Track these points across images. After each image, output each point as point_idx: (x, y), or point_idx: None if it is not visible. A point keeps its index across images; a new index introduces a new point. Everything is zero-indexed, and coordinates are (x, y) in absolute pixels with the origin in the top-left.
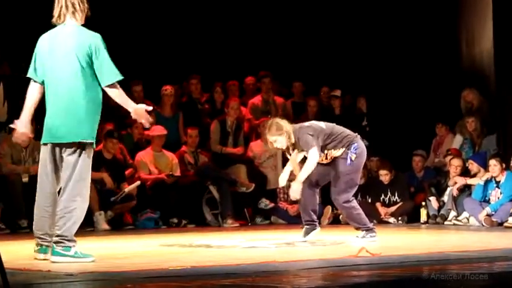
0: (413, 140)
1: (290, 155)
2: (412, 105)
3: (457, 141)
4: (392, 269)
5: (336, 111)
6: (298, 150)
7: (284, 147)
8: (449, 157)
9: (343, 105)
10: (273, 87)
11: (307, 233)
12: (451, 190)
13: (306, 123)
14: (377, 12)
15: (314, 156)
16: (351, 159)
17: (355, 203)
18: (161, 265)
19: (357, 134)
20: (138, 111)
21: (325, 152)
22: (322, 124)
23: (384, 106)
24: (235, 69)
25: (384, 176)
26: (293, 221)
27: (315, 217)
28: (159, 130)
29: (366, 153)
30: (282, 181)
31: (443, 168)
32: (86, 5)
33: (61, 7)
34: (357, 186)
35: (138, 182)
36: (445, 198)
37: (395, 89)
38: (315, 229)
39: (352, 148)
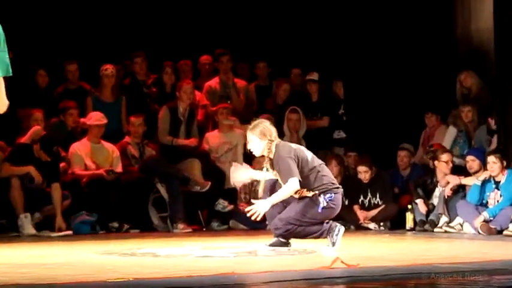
0: (399, 132)
1: (261, 168)
2: (398, 91)
3: (450, 133)
4: (372, 283)
5: (313, 97)
6: (269, 168)
7: (257, 154)
8: (430, 154)
9: (320, 90)
10: (233, 68)
11: (275, 244)
12: (442, 191)
13: (294, 145)
14: None
15: (292, 187)
16: (322, 207)
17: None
18: (98, 277)
19: (340, 187)
20: None
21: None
22: (309, 155)
23: (364, 91)
24: (188, 46)
25: (363, 173)
26: (255, 226)
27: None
28: (98, 118)
29: (338, 210)
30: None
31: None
32: None
33: None
34: None
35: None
36: (435, 200)
37: (378, 71)
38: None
39: (326, 195)
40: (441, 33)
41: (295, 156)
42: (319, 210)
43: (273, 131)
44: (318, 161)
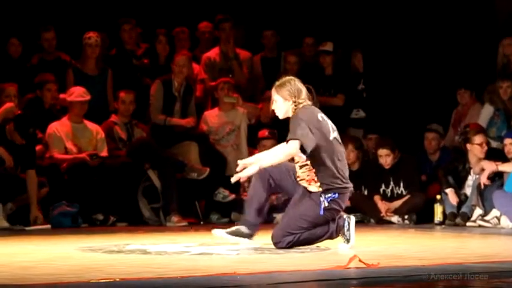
0: (426, 111)
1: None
2: (426, 63)
3: (486, 112)
4: (394, 285)
5: (326, 70)
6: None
7: (280, 116)
8: (462, 136)
9: (335, 63)
10: (236, 37)
11: (234, 233)
12: (476, 180)
13: (321, 116)
14: None
15: (289, 150)
16: (324, 209)
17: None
18: (80, 277)
19: (351, 187)
20: None
21: (303, 170)
22: (332, 135)
23: (387, 64)
24: (185, 11)
25: (384, 157)
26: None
27: (256, 221)
28: (79, 93)
29: (341, 211)
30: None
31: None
32: None
33: None
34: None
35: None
36: (468, 190)
37: (403, 40)
38: (246, 237)
39: (328, 195)
40: None
41: (313, 125)
42: (321, 213)
43: (303, 91)
44: (339, 148)
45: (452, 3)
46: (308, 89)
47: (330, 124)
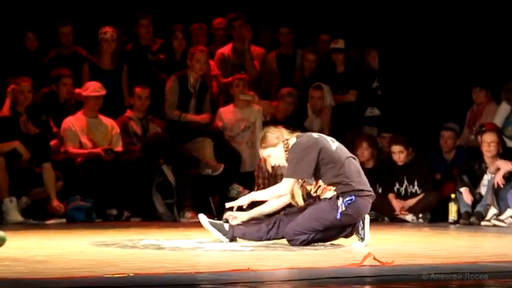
0: (442, 110)
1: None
2: (441, 61)
3: (502, 111)
4: (408, 283)
5: (338, 68)
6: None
7: (283, 163)
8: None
9: (347, 60)
10: (254, 33)
11: (217, 226)
12: (492, 179)
13: (315, 134)
14: None
15: (281, 190)
16: (341, 212)
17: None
18: (94, 271)
19: (371, 192)
20: None
21: (318, 183)
22: (334, 146)
23: (402, 62)
24: (202, 6)
25: (398, 153)
26: None
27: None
28: (95, 88)
29: (361, 217)
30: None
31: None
32: None
33: None
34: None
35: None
36: (483, 189)
37: (418, 39)
38: (225, 236)
39: (346, 198)
40: None
41: (314, 145)
42: (338, 217)
43: (282, 130)
44: (345, 154)
45: (468, 0)
46: (319, 86)
47: (329, 138)
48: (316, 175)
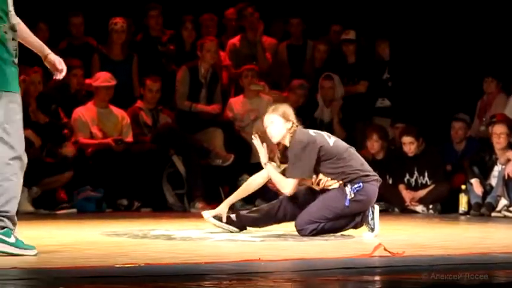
0: (453, 101)
1: (272, 159)
2: (452, 51)
3: None
4: (419, 273)
5: (349, 59)
6: (277, 162)
7: (276, 140)
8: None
9: (358, 51)
10: (266, 25)
11: (219, 218)
12: (502, 170)
13: (312, 132)
14: None
15: (286, 190)
16: (350, 199)
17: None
18: (104, 261)
19: (376, 176)
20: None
21: (318, 177)
22: (331, 141)
23: (413, 52)
24: None
25: (408, 145)
26: None
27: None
28: (105, 78)
29: (370, 203)
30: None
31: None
32: None
33: None
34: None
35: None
36: (493, 181)
37: (429, 30)
38: (229, 229)
39: (354, 186)
40: None
41: (313, 144)
42: (346, 204)
43: (294, 115)
44: (343, 146)
45: None
46: (329, 76)
47: (326, 134)
48: (316, 170)
